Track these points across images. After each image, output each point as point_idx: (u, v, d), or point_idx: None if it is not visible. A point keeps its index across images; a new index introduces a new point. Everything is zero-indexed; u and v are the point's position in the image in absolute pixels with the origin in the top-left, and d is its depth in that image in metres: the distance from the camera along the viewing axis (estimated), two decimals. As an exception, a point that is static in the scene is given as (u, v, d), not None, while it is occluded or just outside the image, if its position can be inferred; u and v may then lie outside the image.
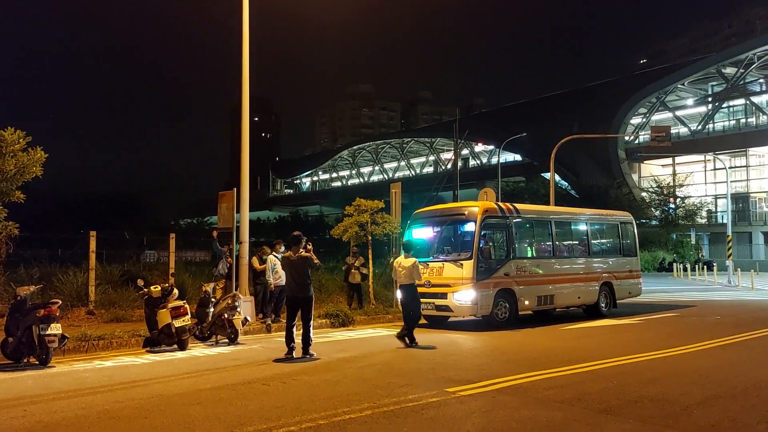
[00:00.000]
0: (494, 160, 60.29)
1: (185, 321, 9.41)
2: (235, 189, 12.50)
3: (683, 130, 54.90)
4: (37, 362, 7.96)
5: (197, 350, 9.51)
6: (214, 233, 13.28)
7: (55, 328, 7.93)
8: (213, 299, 10.51)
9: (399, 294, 13.23)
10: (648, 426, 5.22)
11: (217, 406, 5.86)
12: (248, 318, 10.84)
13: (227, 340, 10.07)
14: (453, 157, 39.69)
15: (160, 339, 9.37)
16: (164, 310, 9.36)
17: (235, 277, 12.09)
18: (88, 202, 55.63)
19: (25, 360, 8.01)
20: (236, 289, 11.63)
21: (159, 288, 9.74)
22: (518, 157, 66.12)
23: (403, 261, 10.20)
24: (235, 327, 10.03)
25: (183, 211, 72.19)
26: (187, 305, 9.67)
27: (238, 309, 10.15)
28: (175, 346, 9.38)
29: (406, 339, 9.82)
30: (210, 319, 10.15)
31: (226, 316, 9.99)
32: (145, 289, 9.74)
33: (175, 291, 9.84)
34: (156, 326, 9.38)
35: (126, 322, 11.65)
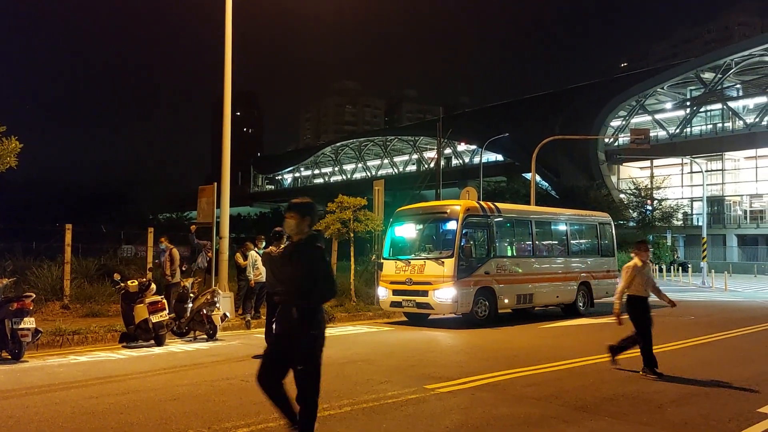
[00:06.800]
0: (476, 160, 60.53)
1: (163, 316, 9.30)
2: (216, 183, 12.39)
3: (662, 133, 55.74)
4: (9, 357, 7.80)
5: (175, 346, 9.40)
6: (192, 227, 13.15)
7: (29, 322, 7.79)
8: (191, 294, 10.40)
9: (380, 292, 13.27)
10: (623, 423, 5.29)
11: (195, 402, 5.80)
12: (227, 314, 10.73)
13: (206, 336, 9.97)
14: (436, 156, 39.77)
15: (136, 334, 9.24)
16: (141, 305, 9.23)
17: (215, 272, 11.98)
18: (66, 194, 54.52)
19: (-3, 354, 7.84)
20: (215, 285, 11.52)
21: (136, 283, 9.60)
22: (500, 157, 66.49)
23: None
24: (213, 323, 9.93)
25: (163, 205, 71.11)
26: (164, 300, 9.56)
27: (217, 305, 10.06)
28: (152, 341, 9.26)
29: None
30: (188, 314, 10.05)
31: (204, 311, 9.89)
32: (122, 284, 9.59)
33: (153, 286, 9.71)
34: (133, 321, 9.24)
35: (102, 317, 11.48)
